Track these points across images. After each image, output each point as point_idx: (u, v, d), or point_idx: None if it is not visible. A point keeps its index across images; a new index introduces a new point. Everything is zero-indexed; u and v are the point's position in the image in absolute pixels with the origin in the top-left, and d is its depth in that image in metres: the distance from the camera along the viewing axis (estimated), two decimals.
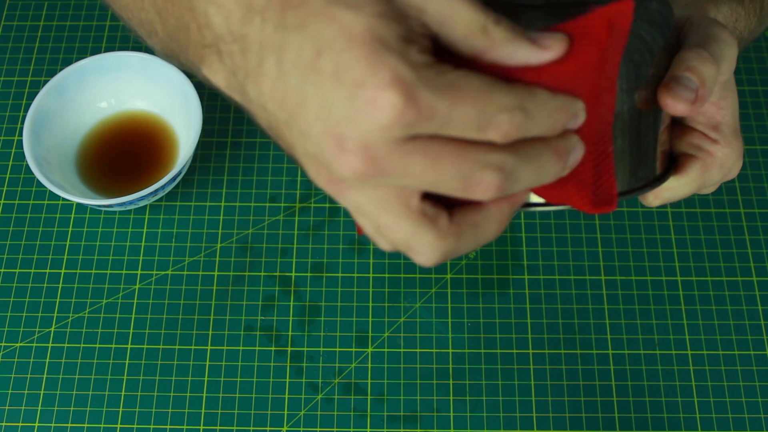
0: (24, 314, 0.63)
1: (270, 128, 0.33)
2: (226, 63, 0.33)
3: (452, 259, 0.35)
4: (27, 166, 0.69)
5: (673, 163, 0.40)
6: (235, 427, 0.59)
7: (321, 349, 0.62)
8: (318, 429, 0.59)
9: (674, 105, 0.36)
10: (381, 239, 0.33)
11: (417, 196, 0.31)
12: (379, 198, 0.31)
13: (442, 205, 0.32)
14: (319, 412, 0.60)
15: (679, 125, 0.41)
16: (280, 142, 0.33)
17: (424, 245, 0.31)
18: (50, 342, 0.62)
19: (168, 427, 0.59)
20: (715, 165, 0.39)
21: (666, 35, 0.36)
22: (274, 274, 0.65)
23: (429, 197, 0.32)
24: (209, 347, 0.62)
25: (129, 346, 0.62)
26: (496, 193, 0.30)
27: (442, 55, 0.30)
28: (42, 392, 0.60)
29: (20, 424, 0.59)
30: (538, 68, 0.30)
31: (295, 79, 0.30)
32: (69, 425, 0.59)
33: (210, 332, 0.63)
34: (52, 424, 0.59)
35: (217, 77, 0.33)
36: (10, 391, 0.60)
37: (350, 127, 0.29)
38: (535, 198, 0.35)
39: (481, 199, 0.30)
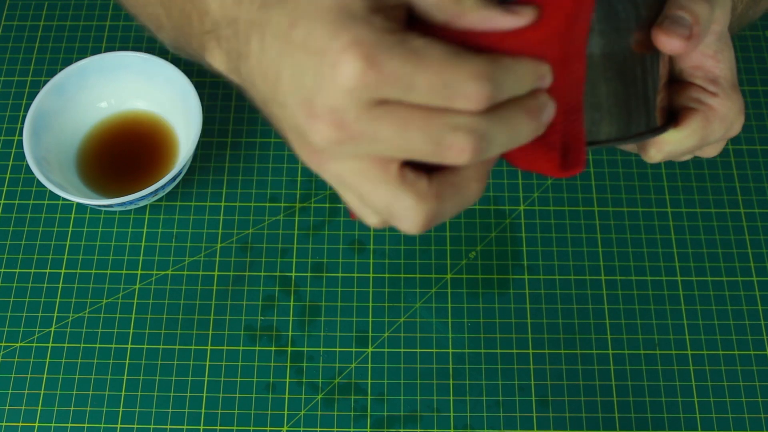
0: (24, 314, 0.63)
1: (263, 105, 0.34)
2: (223, 47, 0.34)
3: (436, 224, 0.35)
4: (27, 166, 0.69)
5: (673, 119, 0.40)
6: (235, 427, 0.59)
7: (321, 349, 0.62)
8: (318, 429, 0.59)
9: (669, 41, 0.35)
10: (366, 211, 0.33)
11: (396, 163, 0.31)
12: (359, 167, 0.31)
13: (424, 172, 0.32)
14: (319, 412, 0.60)
15: (677, 82, 0.41)
16: (271, 119, 0.34)
17: (406, 209, 0.31)
18: (50, 342, 0.62)
19: (168, 427, 0.59)
20: (716, 118, 0.39)
21: None
22: (274, 274, 0.65)
23: (410, 165, 0.32)
24: (209, 347, 0.62)
25: (129, 346, 0.62)
26: (471, 156, 0.29)
27: (417, 28, 0.31)
28: (42, 392, 0.60)
29: (20, 424, 0.59)
30: (507, 35, 0.31)
31: (274, 52, 0.30)
32: (69, 425, 0.59)
33: (210, 332, 0.63)
34: (52, 424, 0.59)
35: (217, 61, 0.35)
36: (10, 391, 0.60)
37: (318, 94, 0.29)
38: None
39: (456, 163, 0.30)
